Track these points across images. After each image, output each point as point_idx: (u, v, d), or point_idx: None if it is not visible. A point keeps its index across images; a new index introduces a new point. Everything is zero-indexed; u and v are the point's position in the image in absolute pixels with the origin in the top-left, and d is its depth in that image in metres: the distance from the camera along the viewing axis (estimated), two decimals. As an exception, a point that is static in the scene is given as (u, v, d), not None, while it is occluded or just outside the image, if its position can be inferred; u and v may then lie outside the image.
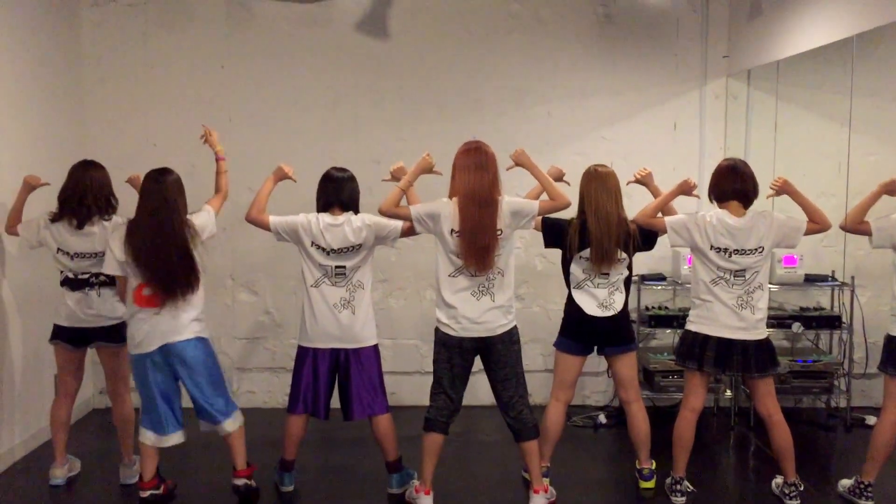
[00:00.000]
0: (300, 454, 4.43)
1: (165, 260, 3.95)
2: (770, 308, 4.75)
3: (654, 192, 4.51)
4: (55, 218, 4.37)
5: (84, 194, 4.32)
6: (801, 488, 4.28)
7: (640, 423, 4.45)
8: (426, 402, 4.19)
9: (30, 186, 4.55)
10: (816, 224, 4.19)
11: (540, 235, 4.42)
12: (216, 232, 4.30)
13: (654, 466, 4.50)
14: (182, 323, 4.03)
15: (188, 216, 4.09)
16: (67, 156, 4.95)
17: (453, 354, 4.09)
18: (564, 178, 4.55)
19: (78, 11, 5.76)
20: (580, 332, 4.38)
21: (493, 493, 4.51)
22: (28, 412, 4.99)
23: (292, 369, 4.40)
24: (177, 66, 5.86)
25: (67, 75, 5.63)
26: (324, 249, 4.23)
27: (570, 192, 4.23)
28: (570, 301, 4.39)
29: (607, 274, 4.31)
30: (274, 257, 5.75)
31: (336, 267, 4.25)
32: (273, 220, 4.29)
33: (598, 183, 4.29)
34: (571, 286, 4.38)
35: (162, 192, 4.00)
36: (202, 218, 4.18)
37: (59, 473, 4.52)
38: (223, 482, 4.35)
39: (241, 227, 5.21)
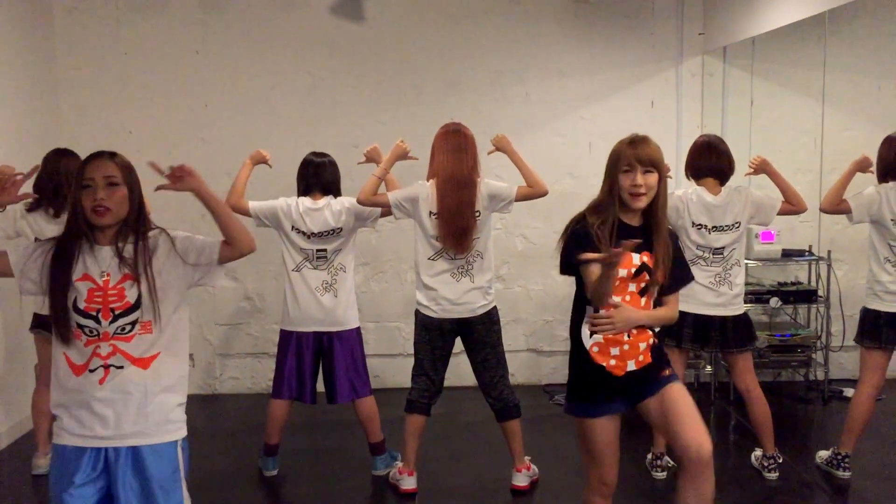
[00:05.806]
0: (284, 438, 4.44)
1: None
2: (748, 283, 4.79)
3: None
4: (32, 207, 4.33)
5: (59, 184, 4.29)
6: (780, 461, 4.34)
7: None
8: (409, 384, 4.21)
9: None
10: (792, 206, 4.21)
11: (520, 215, 4.45)
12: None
13: None
14: None
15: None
16: (43, 144, 4.90)
17: (434, 336, 4.11)
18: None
19: (50, -2, 5.70)
20: None
21: (476, 472, 4.54)
22: (11, 402, 4.97)
23: (275, 354, 4.42)
24: (151, 52, 5.80)
25: (41, 63, 5.57)
26: (304, 233, 4.23)
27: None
28: None
29: None
30: (254, 243, 5.73)
31: (317, 251, 4.25)
32: (253, 205, 4.28)
33: None
34: None
35: None
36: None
37: (42, 463, 4.50)
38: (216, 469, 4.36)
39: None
